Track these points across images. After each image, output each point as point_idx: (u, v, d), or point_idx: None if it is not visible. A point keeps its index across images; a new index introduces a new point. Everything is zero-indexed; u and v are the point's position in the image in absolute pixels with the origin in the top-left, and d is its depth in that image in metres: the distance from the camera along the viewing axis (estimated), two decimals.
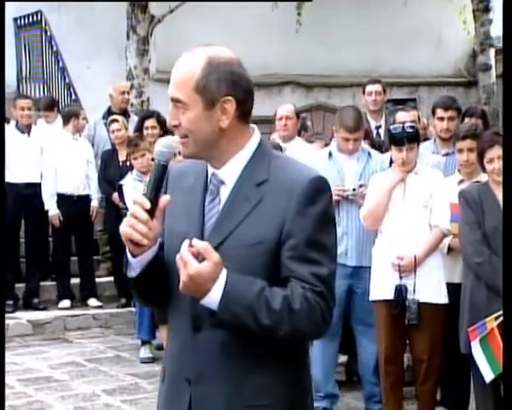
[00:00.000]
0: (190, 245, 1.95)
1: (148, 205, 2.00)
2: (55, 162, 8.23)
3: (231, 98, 2.04)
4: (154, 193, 2.02)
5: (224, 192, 2.09)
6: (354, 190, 5.19)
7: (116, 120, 8.32)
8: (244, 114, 2.09)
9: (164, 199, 2.03)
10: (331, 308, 2.04)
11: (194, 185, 2.13)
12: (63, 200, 8.24)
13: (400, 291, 4.75)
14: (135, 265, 2.07)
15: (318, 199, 2.04)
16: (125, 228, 2.00)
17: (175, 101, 2.05)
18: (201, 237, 2.04)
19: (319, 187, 2.05)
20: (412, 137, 4.84)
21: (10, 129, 8.34)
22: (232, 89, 2.04)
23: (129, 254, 2.07)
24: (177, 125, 2.06)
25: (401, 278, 4.77)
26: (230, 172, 2.08)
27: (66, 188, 8.27)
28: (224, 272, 1.96)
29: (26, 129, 8.36)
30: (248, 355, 2.01)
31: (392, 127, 5.03)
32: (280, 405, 2.05)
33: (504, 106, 3.63)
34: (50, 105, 9.43)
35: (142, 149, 6.82)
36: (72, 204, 8.28)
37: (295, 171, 2.08)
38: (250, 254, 2.01)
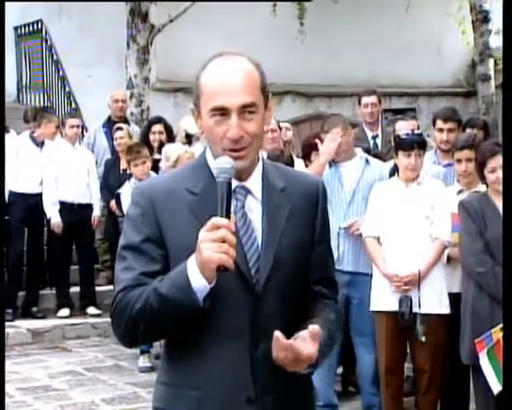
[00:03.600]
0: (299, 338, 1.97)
1: (233, 227, 1.85)
2: (56, 170, 8.23)
3: (271, 96, 2.09)
4: (226, 213, 1.87)
5: (251, 202, 2.04)
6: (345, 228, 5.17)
7: (120, 128, 8.32)
8: None
9: (234, 219, 1.89)
10: None
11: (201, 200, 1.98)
12: (64, 208, 8.24)
13: (407, 303, 4.71)
14: (204, 292, 1.88)
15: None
16: (216, 255, 1.81)
17: (246, 106, 1.95)
18: (242, 247, 1.96)
19: None
20: (421, 143, 4.85)
21: (24, 139, 8.37)
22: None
23: (204, 281, 1.86)
24: (243, 135, 1.96)
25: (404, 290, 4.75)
26: (255, 181, 2.05)
27: (66, 196, 8.27)
28: None
29: (40, 142, 8.37)
30: None
31: (401, 133, 5.02)
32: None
33: (504, 113, 3.62)
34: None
35: (144, 156, 6.80)
36: (73, 212, 8.28)
37: (303, 175, 2.22)
38: (297, 256, 2.05)
